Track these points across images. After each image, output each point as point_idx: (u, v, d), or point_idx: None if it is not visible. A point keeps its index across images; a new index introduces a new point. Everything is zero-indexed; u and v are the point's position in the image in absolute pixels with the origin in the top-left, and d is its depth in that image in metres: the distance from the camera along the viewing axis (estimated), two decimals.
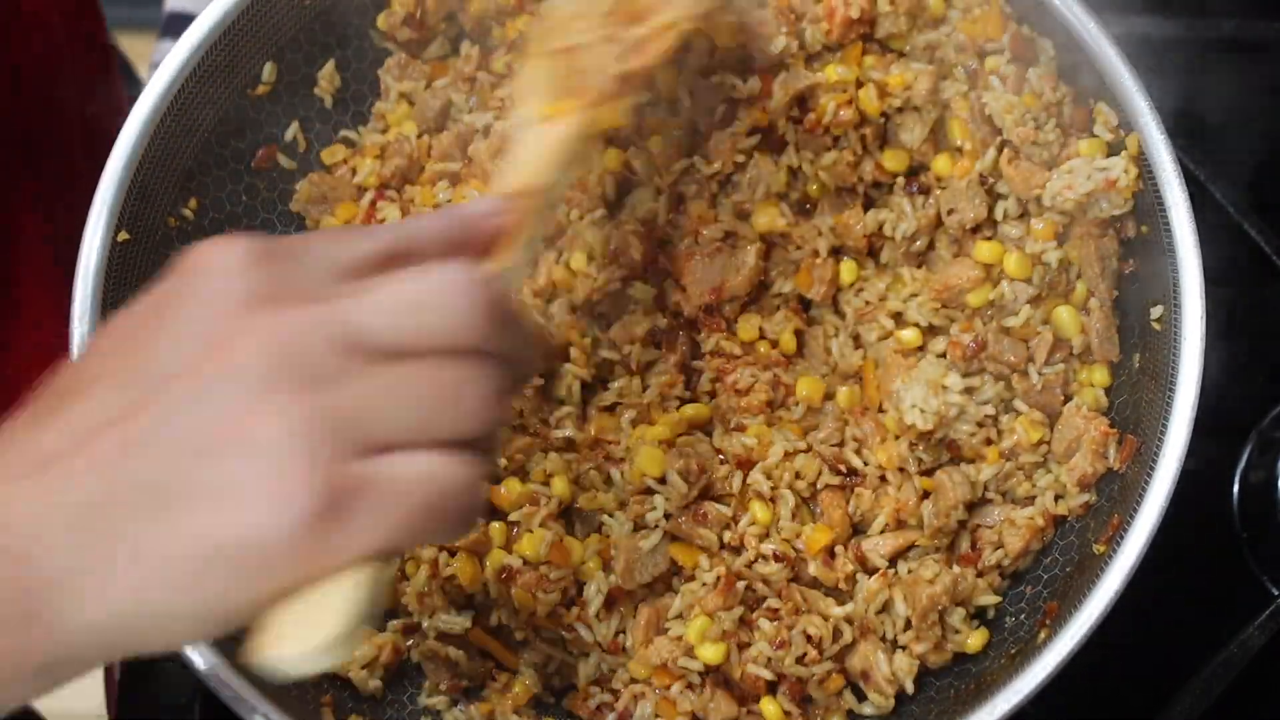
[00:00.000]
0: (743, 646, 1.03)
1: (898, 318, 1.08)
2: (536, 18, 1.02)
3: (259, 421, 0.62)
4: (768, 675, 1.02)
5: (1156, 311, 1.03)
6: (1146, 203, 1.03)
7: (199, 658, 0.96)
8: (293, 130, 1.15)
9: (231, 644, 0.99)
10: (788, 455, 1.06)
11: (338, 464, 0.62)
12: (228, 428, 0.62)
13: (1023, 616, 1.05)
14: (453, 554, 1.06)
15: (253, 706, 0.96)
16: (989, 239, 1.07)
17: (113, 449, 0.62)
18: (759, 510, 1.04)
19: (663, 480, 1.05)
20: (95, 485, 0.62)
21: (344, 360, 0.64)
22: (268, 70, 1.12)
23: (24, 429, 0.65)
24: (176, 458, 0.62)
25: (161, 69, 1.06)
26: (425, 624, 1.06)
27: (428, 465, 0.65)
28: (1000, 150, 1.06)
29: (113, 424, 0.63)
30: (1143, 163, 1.02)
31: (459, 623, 1.05)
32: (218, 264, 0.66)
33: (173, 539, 0.62)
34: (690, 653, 1.02)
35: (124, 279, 1.05)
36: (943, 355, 1.06)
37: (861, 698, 1.05)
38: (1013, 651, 1.03)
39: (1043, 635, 1.00)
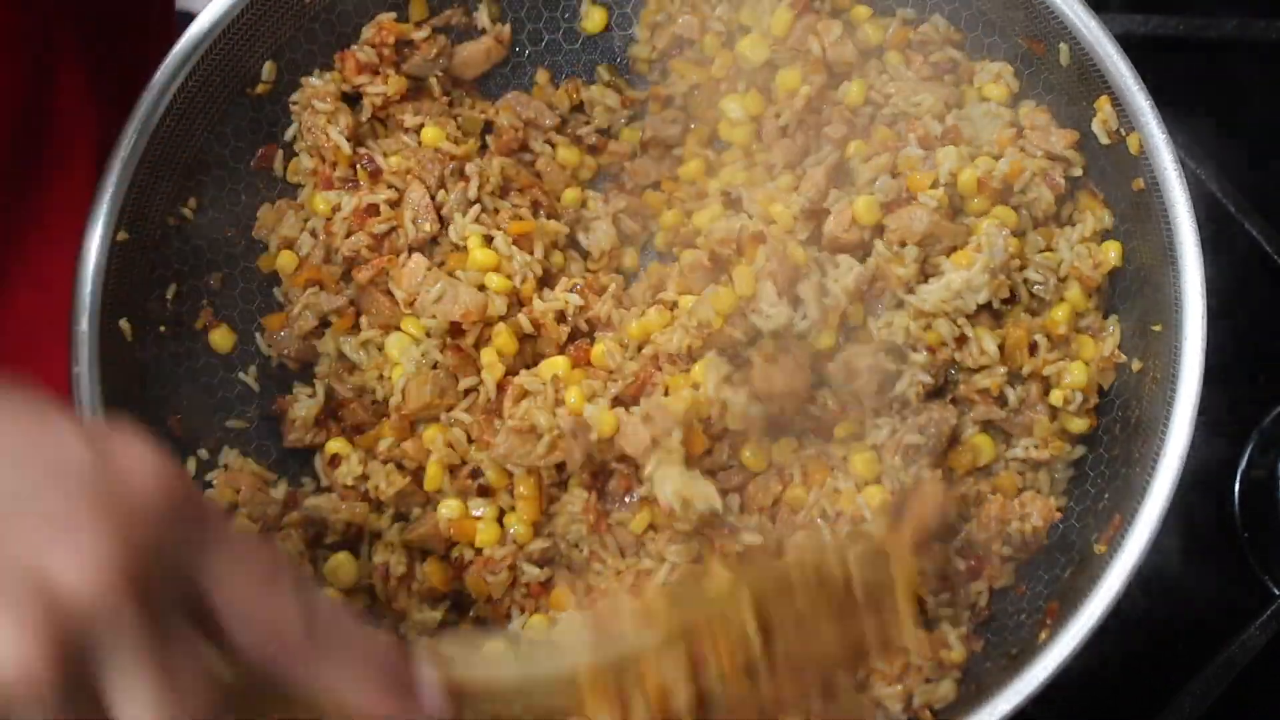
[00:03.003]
0: None
1: None
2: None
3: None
4: None
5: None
6: (1146, 202, 1.04)
7: None
8: (292, 130, 1.14)
9: None
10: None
11: None
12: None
13: (1023, 616, 1.05)
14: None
15: None
16: None
17: None
18: None
19: None
20: None
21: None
22: (267, 70, 1.12)
23: None
24: None
25: (162, 67, 1.06)
26: (401, 628, 1.06)
27: None
28: None
29: None
30: (1144, 162, 1.03)
31: (433, 616, 1.06)
32: (136, 472, 0.62)
33: None
34: None
35: (124, 279, 1.05)
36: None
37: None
38: (1013, 652, 1.02)
39: (1043, 635, 1.00)
